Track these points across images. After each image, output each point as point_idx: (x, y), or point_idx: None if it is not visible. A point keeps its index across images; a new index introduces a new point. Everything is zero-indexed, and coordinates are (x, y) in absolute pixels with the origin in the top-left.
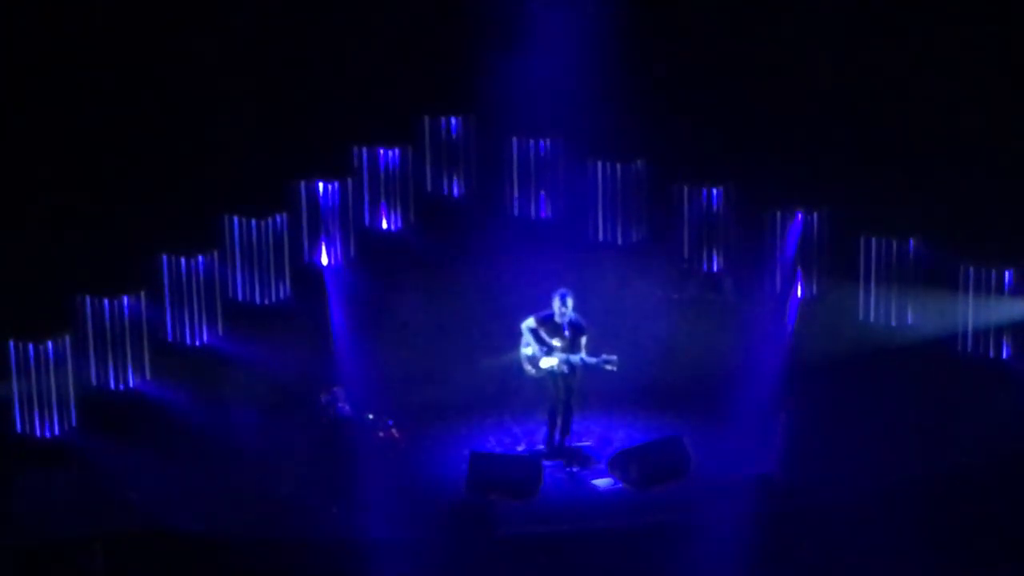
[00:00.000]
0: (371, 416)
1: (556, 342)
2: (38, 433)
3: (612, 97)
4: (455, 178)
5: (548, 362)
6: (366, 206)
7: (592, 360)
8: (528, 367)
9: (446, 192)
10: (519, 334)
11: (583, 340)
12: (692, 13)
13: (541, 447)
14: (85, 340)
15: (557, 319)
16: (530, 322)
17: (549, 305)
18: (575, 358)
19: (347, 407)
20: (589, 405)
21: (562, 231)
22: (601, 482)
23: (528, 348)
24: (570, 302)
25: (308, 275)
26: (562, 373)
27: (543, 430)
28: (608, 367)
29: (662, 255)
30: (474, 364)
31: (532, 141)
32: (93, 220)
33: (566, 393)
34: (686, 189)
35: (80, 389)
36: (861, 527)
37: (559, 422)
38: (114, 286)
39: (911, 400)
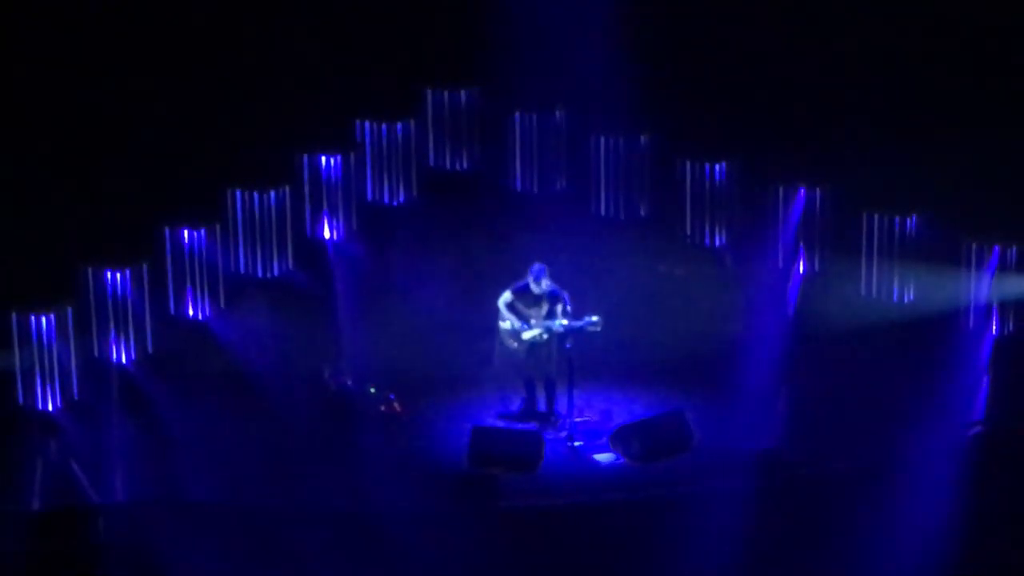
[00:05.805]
0: (373, 389)
1: (534, 312)
2: (39, 405)
3: (616, 71)
4: (458, 152)
5: (530, 334)
6: (368, 180)
7: (576, 324)
8: (510, 341)
9: (449, 166)
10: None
11: (559, 308)
12: None
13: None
14: (88, 312)
15: (534, 290)
16: (506, 296)
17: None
18: (556, 324)
19: (349, 381)
20: (590, 380)
21: (565, 205)
22: (603, 457)
23: (506, 323)
24: (544, 282)
25: (310, 249)
26: (544, 343)
27: (518, 402)
28: (592, 328)
29: (665, 230)
30: (473, 343)
31: (536, 115)
32: (96, 193)
33: (547, 364)
34: (689, 164)
35: (82, 361)
36: (861, 501)
37: (543, 394)
38: (117, 258)
39: (911, 375)
